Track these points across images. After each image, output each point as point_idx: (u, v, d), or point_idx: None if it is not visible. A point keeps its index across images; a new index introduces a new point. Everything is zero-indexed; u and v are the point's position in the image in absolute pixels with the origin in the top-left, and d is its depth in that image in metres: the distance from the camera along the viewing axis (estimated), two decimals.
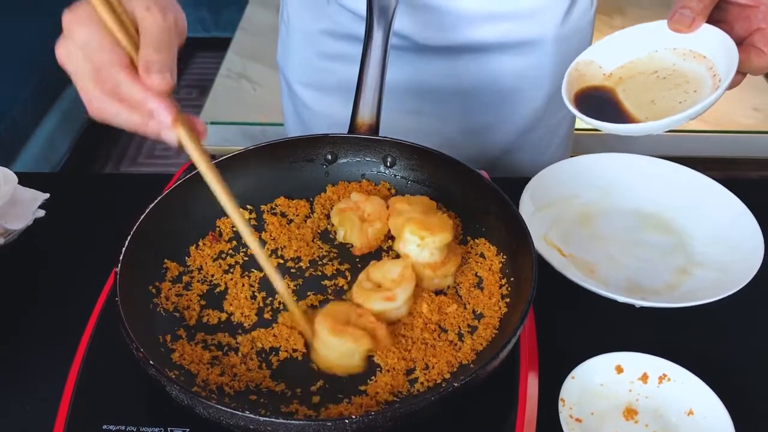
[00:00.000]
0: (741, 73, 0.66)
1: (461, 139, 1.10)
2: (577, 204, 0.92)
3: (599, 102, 0.71)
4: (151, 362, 0.57)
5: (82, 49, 0.53)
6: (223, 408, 0.53)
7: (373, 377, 0.62)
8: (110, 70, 0.52)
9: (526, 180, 0.89)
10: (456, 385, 0.54)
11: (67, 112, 2.38)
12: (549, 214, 0.89)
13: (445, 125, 1.08)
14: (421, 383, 0.62)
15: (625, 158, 0.96)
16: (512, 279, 0.70)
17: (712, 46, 0.67)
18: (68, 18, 0.53)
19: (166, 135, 0.55)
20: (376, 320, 0.64)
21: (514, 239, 0.70)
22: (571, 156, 1.12)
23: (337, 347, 0.61)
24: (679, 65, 0.70)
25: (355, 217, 0.75)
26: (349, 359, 0.62)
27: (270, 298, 0.70)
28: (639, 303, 0.76)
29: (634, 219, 0.92)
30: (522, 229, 0.68)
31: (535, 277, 0.63)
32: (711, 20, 0.68)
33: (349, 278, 0.72)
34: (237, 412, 0.53)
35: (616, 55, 0.73)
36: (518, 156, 1.13)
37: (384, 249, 0.76)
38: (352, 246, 0.76)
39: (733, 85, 0.66)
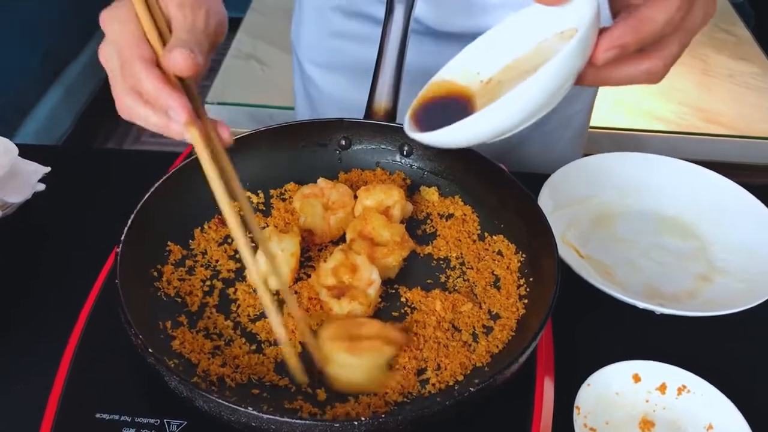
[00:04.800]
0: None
1: None
2: (595, 204, 0.89)
3: (452, 111, 0.57)
4: (149, 350, 0.54)
5: (113, 45, 0.50)
6: (225, 403, 0.50)
7: None
8: (132, 63, 0.49)
9: (539, 176, 0.86)
10: (472, 390, 0.52)
11: (72, 86, 2.35)
12: (567, 213, 0.86)
13: None
14: (433, 384, 0.59)
15: (647, 158, 0.93)
16: (531, 279, 0.67)
17: (583, 17, 0.51)
18: (105, 16, 0.51)
19: (186, 137, 0.50)
20: (381, 324, 0.60)
21: (535, 238, 0.67)
22: (585, 153, 1.10)
23: (362, 365, 0.56)
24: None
25: (317, 204, 0.71)
26: (376, 372, 0.57)
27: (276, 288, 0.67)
28: (659, 310, 0.73)
29: (654, 222, 0.89)
30: (544, 228, 0.65)
31: (558, 279, 0.60)
32: None
33: None
34: (239, 408, 0.50)
35: (496, 55, 0.59)
36: (527, 149, 1.10)
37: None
38: (312, 233, 0.71)
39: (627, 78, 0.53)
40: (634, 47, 0.51)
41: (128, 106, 0.50)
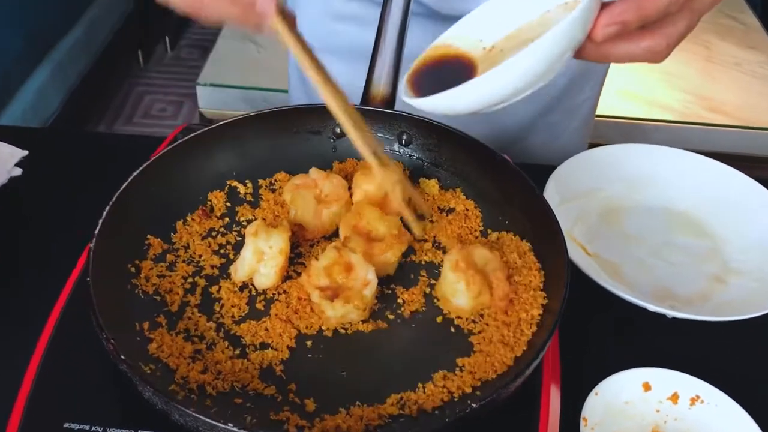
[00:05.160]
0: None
1: (473, 117, 1.03)
2: (603, 198, 0.85)
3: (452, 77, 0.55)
4: (122, 356, 0.49)
5: None
6: (202, 418, 0.46)
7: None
8: None
9: (544, 167, 0.82)
10: (474, 405, 0.47)
11: (61, 64, 2.28)
12: (574, 207, 0.81)
13: None
14: (430, 395, 0.54)
15: (656, 150, 0.88)
16: None
17: None
18: None
19: (266, 26, 0.52)
20: (504, 278, 0.59)
21: (542, 235, 0.63)
22: (590, 143, 1.06)
23: (451, 282, 0.59)
24: None
25: (309, 196, 0.66)
26: (459, 299, 0.59)
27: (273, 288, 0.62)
28: (671, 313, 0.68)
29: (664, 218, 0.84)
30: (552, 225, 0.61)
31: (568, 281, 0.55)
32: None
33: None
34: (218, 424, 0.45)
35: (499, 23, 0.57)
36: (531, 139, 1.06)
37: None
38: (303, 228, 0.67)
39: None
40: (636, 24, 0.49)
41: (204, 4, 0.52)
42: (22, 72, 2.11)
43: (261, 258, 0.60)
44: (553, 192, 0.79)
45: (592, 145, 0.90)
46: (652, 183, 0.86)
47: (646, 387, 0.63)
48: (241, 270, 0.61)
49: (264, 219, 0.67)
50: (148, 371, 0.53)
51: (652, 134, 1.76)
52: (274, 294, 0.61)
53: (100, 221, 0.59)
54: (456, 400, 0.54)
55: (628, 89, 1.87)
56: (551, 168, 0.82)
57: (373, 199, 0.66)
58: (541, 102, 1.00)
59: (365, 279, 0.58)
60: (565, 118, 1.05)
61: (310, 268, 0.60)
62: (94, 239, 0.58)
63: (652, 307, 0.68)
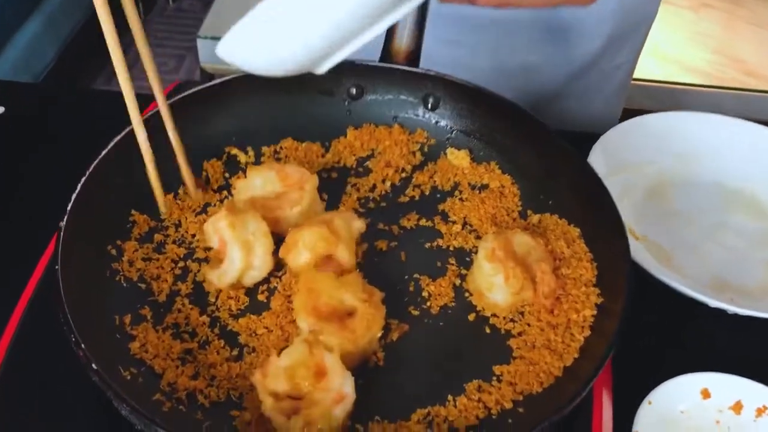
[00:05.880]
0: None
1: (499, 79, 0.94)
2: (651, 171, 0.76)
3: None
4: (94, 366, 0.41)
5: None
6: None
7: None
8: None
9: (579, 134, 0.72)
10: None
11: (54, 14, 2.17)
12: (619, 181, 0.72)
13: (481, 60, 0.92)
14: (462, 410, 0.46)
15: (714, 119, 0.80)
16: None
17: None
18: None
19: None
20: (549, 270, 0.51)
21: (594, 220, 0.54)
22: (625, 107, 0.98)
23: (486, 275, 0.52)
24: None
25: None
26: (496, 294, 0.51)
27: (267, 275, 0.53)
28: (732, 309, 0.60)
29: (718, 195, 0.76)
30: (607, 208, 0.52)
31: (630, 280, 0.46)
32: None
33: (365, 248, 0.56)
34: None
35: None
36: (562, 103, 0.98)
37: None
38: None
39: None
40: None
41: None
42: (14, 22, 2.00)
43: (251, 250, 0.50)
44: (599, 163, 0.70)
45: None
46: (704, 155, 0.78)
47: (705, 394, 0.57)
48: (231, 274, 0.51)
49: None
50: (129, 376, 0.45)
51: (683, 98, 1.66)
52: (275, 284, 0.53)
53: (74, 195, 0.51)
54: (494, 417, 0.45)
55: (656, 49, 1.76)
56: (587, 135, 0.73)
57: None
58: (575, 63, 0.92)
59: (340, 392, 0.44)
60: (599, 82, 0.96)
61: (266, 364, 0.45)
62: (67, 216, 0.49)
63: (713, 303, 0.60)
